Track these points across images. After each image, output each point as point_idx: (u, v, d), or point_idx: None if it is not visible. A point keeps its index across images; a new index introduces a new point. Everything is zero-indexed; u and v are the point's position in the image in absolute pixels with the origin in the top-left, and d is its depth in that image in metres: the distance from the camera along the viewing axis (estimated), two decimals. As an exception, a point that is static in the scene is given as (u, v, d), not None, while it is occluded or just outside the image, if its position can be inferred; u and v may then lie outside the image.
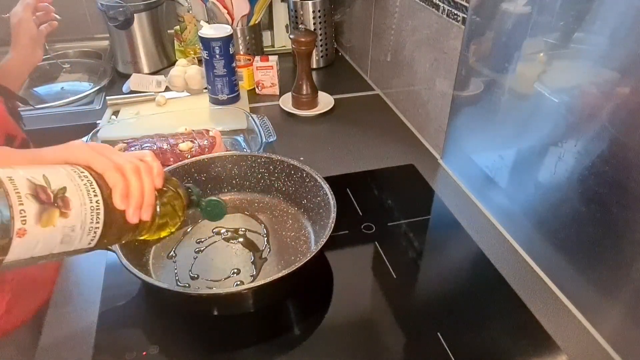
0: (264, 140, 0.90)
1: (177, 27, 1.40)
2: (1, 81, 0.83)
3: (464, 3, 0.79)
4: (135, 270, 0.57)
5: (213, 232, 0.74)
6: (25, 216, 0.38)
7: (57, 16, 0.91)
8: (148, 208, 0.48)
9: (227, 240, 0.72)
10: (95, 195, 0.44)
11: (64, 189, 0.41)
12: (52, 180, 0.41)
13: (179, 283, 0.65)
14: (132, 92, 1.21)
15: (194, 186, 0.59)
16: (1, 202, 0.37)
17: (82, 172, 0.45)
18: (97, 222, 0.44)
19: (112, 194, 0.45)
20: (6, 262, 0.38)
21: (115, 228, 0.46)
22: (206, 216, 0.61)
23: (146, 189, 0.48)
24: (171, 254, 0.70)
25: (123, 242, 0.51)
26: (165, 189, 0.52)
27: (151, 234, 0.52)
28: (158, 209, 0.51)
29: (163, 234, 0.54)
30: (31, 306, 0.72)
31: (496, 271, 0.70)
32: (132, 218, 0.47)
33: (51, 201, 0.40)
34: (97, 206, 0.44)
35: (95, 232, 0.44)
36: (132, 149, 0.86)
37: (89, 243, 0.44)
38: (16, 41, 0.85)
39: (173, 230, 0.55)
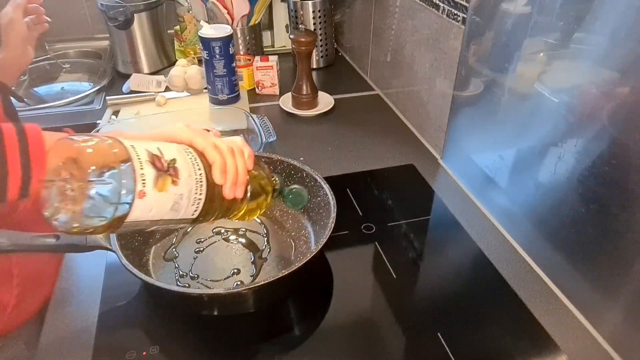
0: (264, 140, 0.90)
1: (177, 27, 1.40)
2: None
3: (464, 3, 0.79)
4: (135, 270, 0.57)
5: (213, 232, 0.74)
6: (145, 179, 0.42)
7: (47, 18, 0.91)
8: (242, 185, 0.52)
9: (227, 240, 0.72)
10: (199, 169, 0.48)
11: (174, 160, 0.46)
12: (164, 152, 0.45)
13: (179, 283, 0.65)
14: (132, 92, 1.21)
15: (278, 175, 0.63)
16: (127, 166, 0.41)
17: (186, 148, 0.49)
18: (201, 194, 0.48)
19: (212, 170, 0.50)
20: (127, 222, 0.42)
21: (213, 203, 0.50)
22: (289, 203, 0.64)
23: (240, 168, 0.52)
24: (171, 254, 0.70)
25: (217, 219, 0.54)
26: (255, 172, 0.56)
27: (242, 214, 0.56)
28: (249, 191, 0.54)
29: (252, 215, 0.58)
30: (38, 300, 0.73)
31: (496, 271, 0.70)
32: (228, 193, 0.51)
33: (165, 169, 0.44)
34: (201, 179, 0.48)
35: (198, 203, 0.48)
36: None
37: (192, 214, 0.48)
38: (6, 42, 0.85)
39: (260, 212, 0.59)
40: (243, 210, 0.56)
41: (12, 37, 0.85)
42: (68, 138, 0.41)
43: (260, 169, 0.58)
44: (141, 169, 0.42)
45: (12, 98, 0.83)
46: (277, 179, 0.61)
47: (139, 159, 0.42)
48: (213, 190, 0.50)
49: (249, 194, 0.55)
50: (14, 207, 0.76)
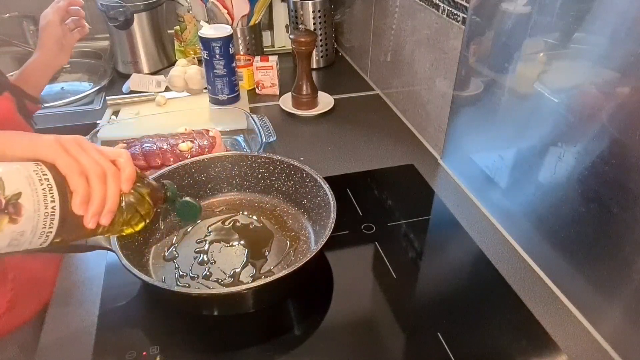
0: (264, 140, 0.90)
1: (177, 27, 1.40)
2: (24, 81, 0.84)
3: (464, 3, 0.79)
4: (135, 271, 0.57)
5: (208, 231, 0.74)
6: None
7: (86, 24, 0.92)
8: (108, 214, 0.47)
9: (227, 240, 0.72)
10: (53, 201, 0.42)
11: (18, 194, 0.40)
12: (8, 184, 0.40)
13: (178, 283, 0.65)
14: (132, 92, 1.21)
15: (172, 184, 0.58)
16: None
17: (44, 174, 0.43)
18: (51, 227, 0.43)
19: (72, 199, 0.44)
20: None
21: (71, 230, 0.45)
22: (178, 216, 0.61)
23: (109, 195, 0.47)
24: (171, 254, 0.70)
25: (77, 241, 0.50)
26: (132, 191, 0.50)
27: (111, 233, 0.52)
28: (124, 206, 0.49)
29: (125, 232, 0.53)
30: (33, 305, 0.72)
31: (496, 271, 0.70)
32: (88, 224, 0.46)
33: (1, 207, 0.39)
34: (53, 212, 0.42)
35: (47, 236, 0.43)
36: (132, 148, 0.86)
37: (41, 245, 0.44)
38: (42, 43, 0.87)
39: (135, 230, 0.53)
40: (114, 231, 0.51)
41: (48, 39, 0.86)
42: None
43: (143, 185, 0.52)
44: None
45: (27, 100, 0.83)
46: (169, 188, 0.57)
47: None
48: (73, 218, 0.45)
49: (124, 215, 0.50)
50: None
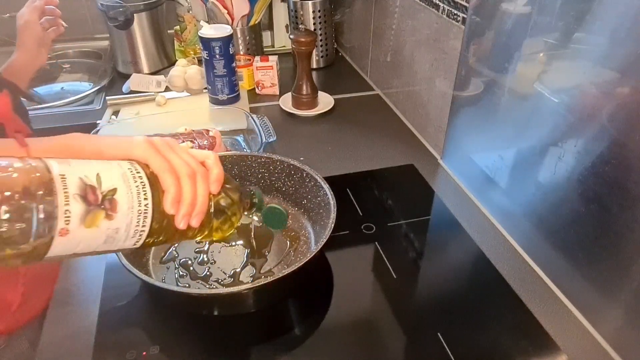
0: (264, 140, 0.90)
1: (177, 27, 1.40)
2: None
3: (464, 3, 0.79)
4: (135, 271, 0.57)
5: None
6: (69, 216, 0.37)
7: (63, 22, 0.91)
8: (198, 215, 0.47)
9: (226, 240, 0.72)
10: (146, 199, 0.43)
11: (114, 190, 0.41)
12: (104, 180, 0.41)
13: (179, 283, 0.65)
14: (132, 92, 1.21)
15: (259, 190, 0.58)
16: (47, 201, 0.36)
17: (137, 172, 0.44)
18: (144, 226, 0.43)
19: (164, 198, 0.44)
20: (47, 257, 0.38)
21: (163, 230, 0.46)
22: (265, 222, 0.61)
23: (199, 195, 0.47)
24: (171, 254, 0.70)
25: (171, 243, 0.49)
26: (222, 194, 0.50)
27: (201, 236, 0.51)
28: (213, 211, 0.49)
29: (215, 237, 0.52)
30: (43, 298, 0.73)
31: (496, 271, 0.70)
32: (179, 224, 0.46)
33: (98, 203, 0.40)
34: (146, 210, 0.43)
35: (140, 235, 0.44)
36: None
37: (134, 244, 0.44)
38: (21, 43, 0.86)
39: (226, 235, 0.53)
40: (205, 234, 0.51)
41: (27, 38, 0.86)
42: None
43: (229, 190, 0.52)
44: (66, 204, 0.37)
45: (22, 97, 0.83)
46: (256, 193, 0.57)
47: (65, 192, 0.37)
48: (165, 217, 0.45)
49: (212, 219, 0.49)
50: None
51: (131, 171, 0.44)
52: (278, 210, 0.61)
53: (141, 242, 0.44)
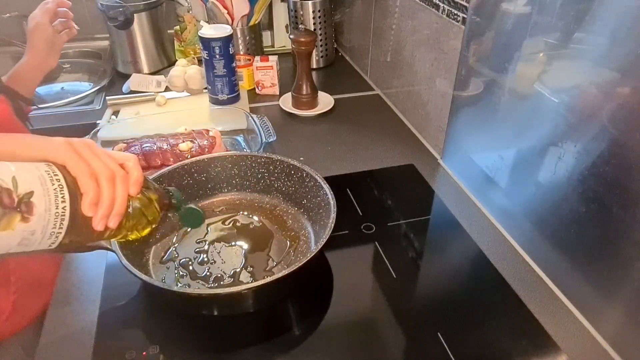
0: (264, 140, 0.90)
1: (177, 27, 1.40)
2: (15, 84, 0.84)
3: (464, 3, 0.79)
4: (135, 271, 0.57)
5: (208, 229, 0.74)
6: None
7: (75, 25, 0.91)
8: (116, 217, 0.47)
9: (227, 240, 0.72)
10: (63, 202, 0.43)
11: (30, 193, 0.41)
12: (21, 183, 0.41)
13: (179, 283, 0.65)
14: (132, 92, 1.21)
15: (177, 190, 0.59)
16: None
17: (55, 174, 0.44)
18: (60, 228, 0.43)
19: (82, 201, 0.45)
20: None
21: (80, 232, 0.46)
22: (183, 222, 0.62)
23: (117, 198, 0.47)
24: (171, 254, 0.70)
25: (87, 245, 0.51)
26: (139, 195, 0.51)
27: (119, 237, 0.52)
28: (131, 211, 0.50)
29: (131, 237, 0.53)
30: (36, 306, 0.72)
31: (496, 271, 0.70)
32: (97, 225, 0.46)
33: (14, 205, 0.39)
34: (63, 212, 0.43)
35: (57, 237, 0.44)
36: (132, 148, 0.86)
37: (50, 246, 0.44)
38: (31, 45, 0.86)
39: (142, 234, 0.54)
40: (122, 234, 0.52)
41: (38, 40, 0.86)
42: None
43: (149, 190, 0.53)
44: None
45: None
46: (175, 194, 0.58)
47: None
48: (83, 219, 0.45)
49: (131, 219, 0.50)
50: None
51: (48, 173, 0.43)
52: (195, 211, 0.62)
53: (57, 243, 0.44)
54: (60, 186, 0.43)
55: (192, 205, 0.63)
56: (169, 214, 0.59)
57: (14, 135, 0.48)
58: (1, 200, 0.39)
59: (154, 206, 0.53)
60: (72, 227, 0.44)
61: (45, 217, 0.42)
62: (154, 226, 0.54)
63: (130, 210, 0.50)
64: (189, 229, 0.74)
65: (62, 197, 0.43)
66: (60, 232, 0.43)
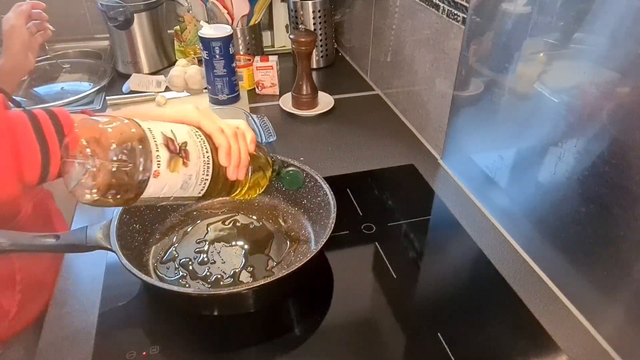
0: (264, 140, 0.90)
1: (177, 27, 1.40)
2: None
3: (464, 3, 0.79)
4: (135, 271, 0.57)
5: (208, 229, 0.74)
6: (159, 161, 0.46)
7: (50, 26, 0.91)
8: (244, 168, 0.55)
9: (226, 240, 0.72)
10: (207, 152, 0.51)
11: (185, 143, 0.49)
12: (177, 135, 0.49)
13: (179, 283, 0.65)
14: (132, 92, 1.20)
15: (277, 157, 0.66)
16: (144, 147, 0.44)
17: (196, 131, 0.52)
18: (207, 175, 0.51)
19: (218, 152, 0.53)
20: (142, 197, 0.46)
21: (218, 182, 0.53)
22: (286, 184, 0.68)
23: (242, 151, 0.55)
24: (171, 254, 0.70)
25: (219, 197, 0.59)
26: (256, 154, 0.59)
27: (243, 192, 0.59)
28: (250, 171, 0.57)
29: (251, 194, 0.61)
30: (38, 306, 0.73)
31: (496, 271, 0.70)
32: (232, 175, 0.54)
33: (177, 151, 0.48)
34: (208, 161, 0.51)
35: (204, 183, 0.51)
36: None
37: (199, 192, 0.52)
38: (7, 47, 0.85)
39: (259, 191, 0.62)
40: (245, 189, 0.59)
41: (14, 43, 0.85)
42: (91, 119, 0.45)
43: (260, 151, 0.61)
44: (157, 150, 0.45)
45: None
46: (276, 160, 0.65)
47: (155, 141, 0.46)
48: (218, 171, 0.53)
49: (250, 175, 0.57)
50: (16, 211, 0.76)
51: (192, 130, 0.52)
52: (296, 172, 0.68)
53: (204, 190, 0.52)
54: (202, 140, 0.52)
55: (293, 168, 0.69)
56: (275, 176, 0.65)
57: (148, 108, 0.54)
58: (168, 146, 0.47)
59: (268, 162, 0.62)
60: (214, 176, 0.52)
61: (198, 163, 0.50)
62: (269, 182, 0.63)
63: (250, 168, 0.57)
64: (189, 229, 0.74)
65: (206, 148, 0.51)
66: (207, 179, 0.51)
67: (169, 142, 0.47)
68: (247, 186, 0.59)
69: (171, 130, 0.48)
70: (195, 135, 0.51)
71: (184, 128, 0.51)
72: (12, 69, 0.86)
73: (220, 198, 0.59)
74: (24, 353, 0.72)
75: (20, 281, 0.71)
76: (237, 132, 0.55)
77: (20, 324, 0.72)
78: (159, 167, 0.45)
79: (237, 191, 0.58)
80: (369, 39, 1.24)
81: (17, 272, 0.71)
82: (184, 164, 0.48)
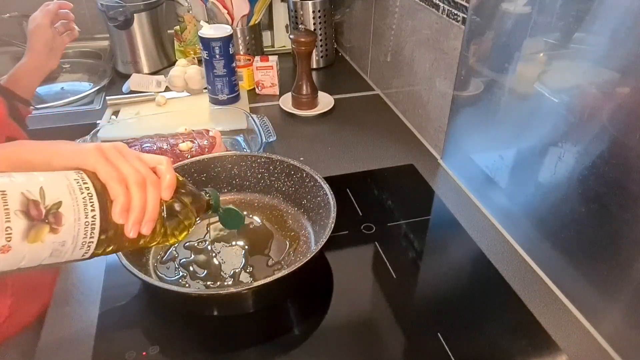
0: (264, 140, 0.90)
1: (177, 27, 1.40)
2: (14, 85, 0.83)
3: (464, 3, 0.79)
4: (135, 271, 0.57)
5: (207, 229, 0.74)
6: (10, 233, 0.37)
7: (76, 27, 0.91)
8: (148, 223, 0.46)
9: (227, 240, 0.72)
10: (93, 210, 0.43)
11: (59, 203, 0.40)
12: (48, 194, 0.40)
13: (179, 283, 0.65)
14: (132, 92, 1.21)
15: (214, 192, 0.57)
16: None
17: (85, 182, 0.43)
18: (92, 237, 0.43)
19: (112, 207, 0.44)
20: None
21: (112, 240, 0.45)
22: (222, 223, 0.63)
23: (149, 203, 0.46)
24: (171, 254, 0.70)
25: (122, 251, 0.50)
26: (175, 199, 0.50)
27: (155, 243, 0.50)
28: (165, 215, 0.49)
29: (169, 241, 0.52)
30: (33, 309, 0.72)
31: (496, 271, 0.70)
32: (129, 232, 0.45)
33: (42, 217, 0.39)
34: (93, 221, 0.43)
35: (89, 246, 0.43)
36: (132, 149, 0.86)
37: (82, 255, 0.44)
38: (31, 47, 0.86)
39: (179, 239, 0.52)
40: (158, 240, 0.50)
41: (37, 42, 0.85)
42: None
43: (184, 194, 0.51)
44: (7, 220, 0.37)
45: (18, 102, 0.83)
46: (212, 195, 0.57)
47: (6, 208, 0.37)
48: (113, 228, 0.44)
49: (164, 225, 0.49)
50: None
51: (77, 182, 0.43)
52: (234, 212, 0.62)
53: (90, 253, 0.44)
54: (90, 194, 0.43)
55: (231, 207, 0.62)
56: (208, 215, 0.57)
57: (49, 143, 0.47)
58: (29, 212, 0.38)
59: (190, 209, 0.51)
60: (103, 236, 0.44)
61: (75, 227, 0.41)
62: (190, 230, 0.53)
63: (164, 214, 0.48)
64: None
65: (92, 206, 0.43)
66: (92, 242, 0.43)
67: (30, 207, 0.39)
68: (158, 238, 0.49)
69: (40, 188, 0.40)
70: (80, 189, 0.42)
71: (64, 181, 0.42)
72: (34, 68, 0.87)
73: (122, 251, 0.49)
74: (19, 356, 0.71)
75: (13, 285, 0.71)
76: (145, 179, 0.46)
77: (13, 327, 0.71)
78: (8, 241, 0.37)
79: (145, 243, 0.49)
80: (369, 39, 1.24)
81: (8, 276, 0.70)
82: (53, 230, 0.40)
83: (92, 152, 0.45)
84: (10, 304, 0.70)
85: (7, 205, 0.37)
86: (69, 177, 0.43)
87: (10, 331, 0.71)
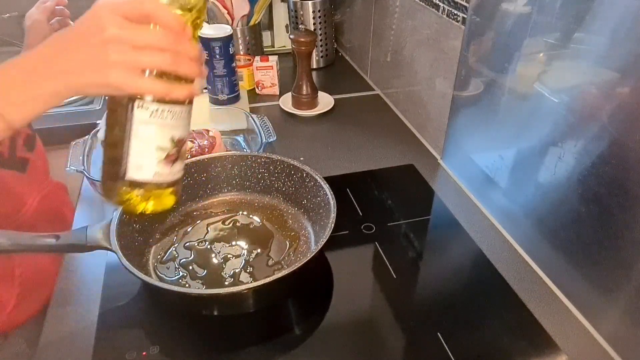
0: (264, 140, 0.90)
1: (177, 27, 1.40)
2: None
3: (464, 3, 0.79)
4: (135, 271, 0.57)
5: (208, 229, 0.74)
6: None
7: (72, 23, 0.91)
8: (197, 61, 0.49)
9: (227, 240, 0.72)
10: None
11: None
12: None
13: (179, 283, 0.65)
14: (132, 92, 1.20)
15: None
16: None
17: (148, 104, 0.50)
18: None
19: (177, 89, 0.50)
20: None
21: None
22: None
23: (191, 52, 0.47)
24: (171, 254, 0.70)
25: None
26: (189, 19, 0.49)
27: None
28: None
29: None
30: (40, 299, 0.73)
31: (496, 271, 0.70)
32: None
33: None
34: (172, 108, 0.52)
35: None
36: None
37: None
38: (28, 44, 0.86)
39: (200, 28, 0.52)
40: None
41: (34, 39, 0.85)
42: None
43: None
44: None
45: None
46: None
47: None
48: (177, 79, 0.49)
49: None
50: (19, 207, 0.77)
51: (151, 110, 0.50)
52: None
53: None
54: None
55: None
56: None
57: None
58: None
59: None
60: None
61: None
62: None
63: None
64: (189, 229, 0.74)
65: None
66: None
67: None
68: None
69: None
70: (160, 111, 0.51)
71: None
72: None
73: None
74: (25, 346, 0.72)
75: (20, 274, 0.71)
76: (170, 50, 0.44)
77: (20, 316, 0.72)
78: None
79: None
80: (369, 39, 1.24)
81: (16, 267, 0.71)
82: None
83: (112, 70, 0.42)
84: (18, 292, 0.71)
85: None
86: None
87: (18, 320, 0.72)
